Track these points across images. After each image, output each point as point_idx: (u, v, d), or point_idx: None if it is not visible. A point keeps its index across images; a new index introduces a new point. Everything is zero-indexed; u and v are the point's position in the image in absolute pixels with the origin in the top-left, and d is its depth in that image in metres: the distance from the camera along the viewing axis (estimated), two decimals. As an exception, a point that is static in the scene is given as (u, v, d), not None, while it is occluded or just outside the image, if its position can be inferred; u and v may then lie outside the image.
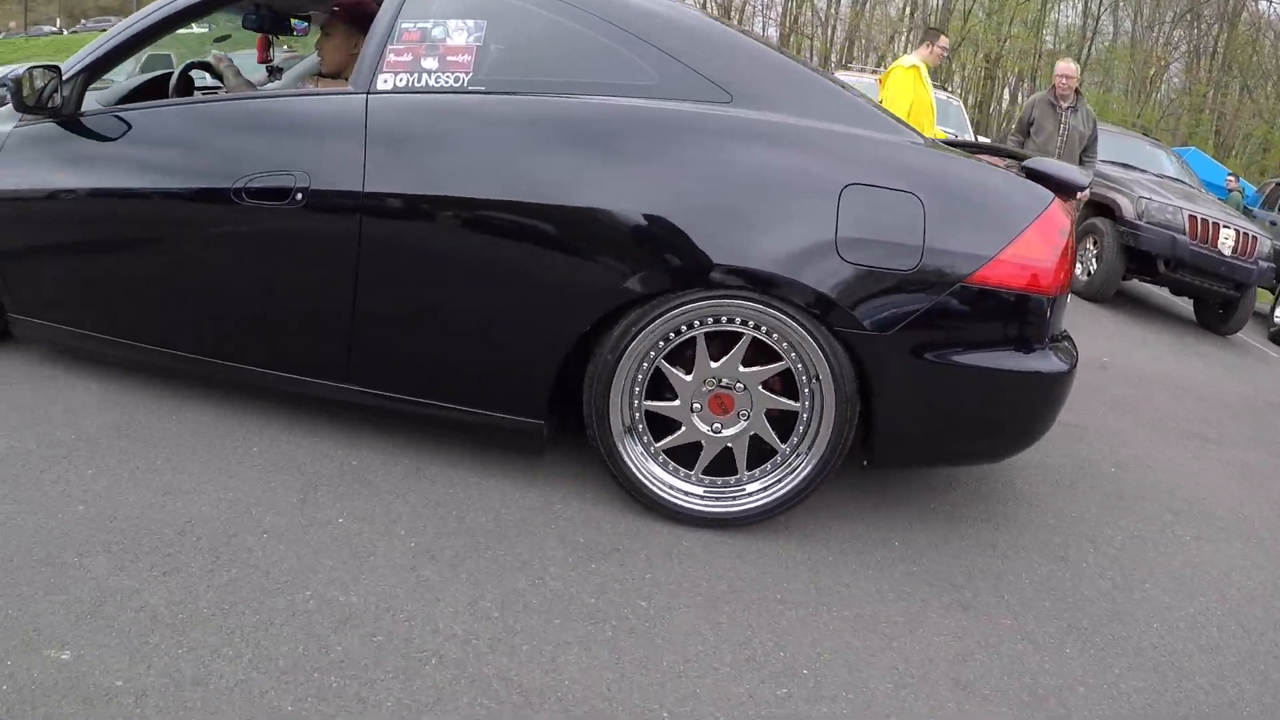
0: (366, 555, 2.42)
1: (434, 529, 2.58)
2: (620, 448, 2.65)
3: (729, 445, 2.65)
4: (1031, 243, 2.51)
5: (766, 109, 2.58)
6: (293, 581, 2.28)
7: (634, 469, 2.67)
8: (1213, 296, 8.70)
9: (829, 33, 47.78)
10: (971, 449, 2.94)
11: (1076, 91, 8.01)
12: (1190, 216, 8.21)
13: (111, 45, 3.08)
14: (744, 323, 2.51)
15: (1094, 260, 8.62)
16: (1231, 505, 3.82)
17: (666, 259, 2.48)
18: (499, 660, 2.06)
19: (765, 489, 2.67)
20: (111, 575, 2.20)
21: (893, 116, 2.98)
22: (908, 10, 48.05)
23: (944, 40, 7.75)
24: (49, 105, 2.93)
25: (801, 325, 2.44)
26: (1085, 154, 7.96)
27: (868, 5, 47.44)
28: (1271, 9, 42.53)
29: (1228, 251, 8.27)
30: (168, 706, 1.80)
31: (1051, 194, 2.60)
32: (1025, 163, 2.77)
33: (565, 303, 2.54)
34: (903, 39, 45.79)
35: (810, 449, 2.62)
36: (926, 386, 2.58)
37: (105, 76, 3.40)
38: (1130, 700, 2.28)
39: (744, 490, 2.68)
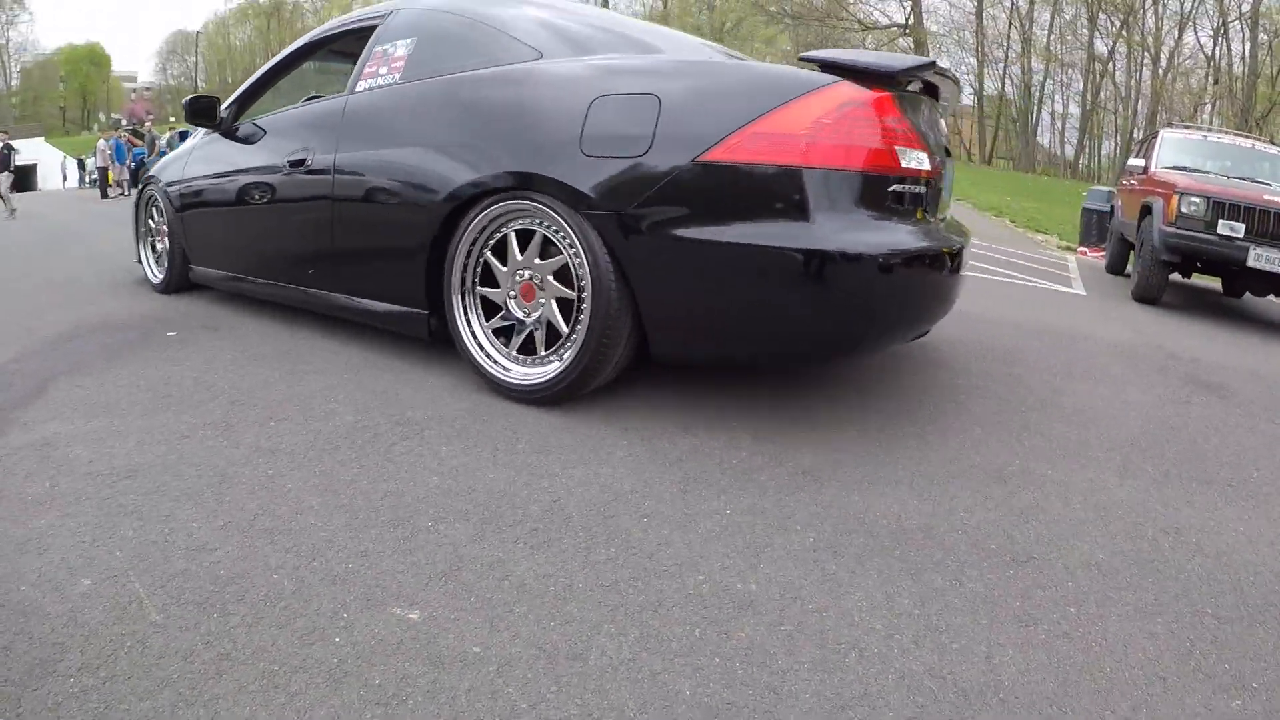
0: (763, 546, 2.16)
1: (832, 527, 2.31)
2: (461, 326, 3.20)
3: (534, 329, 3.03)
4: (782, 120, 2.60)
5: (563, 58, 3.15)
6: (682, 565, 2.01)
7: (469, 343, 3.18)
8: None
9: (1131, 108, 45.83)
10: (762, 340, 2.87)
11: None
12: None
13: (251, 84, 4.60)
14: (538, 223, 2.95)
15: None
16: None
17: (472, 175, 3.04)
18: (927, 657, 1.79)
19: (559, 367, 2.94)
20: (470, 543, 2.02)
21: (679, 43, 3.58)
22: (1210, 79, 45.35)
23: None
24: (209, 121, 4.51)
25: (558, 214, 2.83)
26: None
27: (1169, 77, 45.18)
28: None
29: None
30: (536, 679, 1.58)
31: (835, 79, 2.70)
32: (815, 55, 2.88)
33: (423, 213, 3.19)
34: (1208, 108, 43.18)
35: (589, 331, 2.82)
36: (680, 266, 2.71)
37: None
38: None
39: (544, 368, 3.00)
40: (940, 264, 2.94)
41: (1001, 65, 51.24)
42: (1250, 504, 2.99)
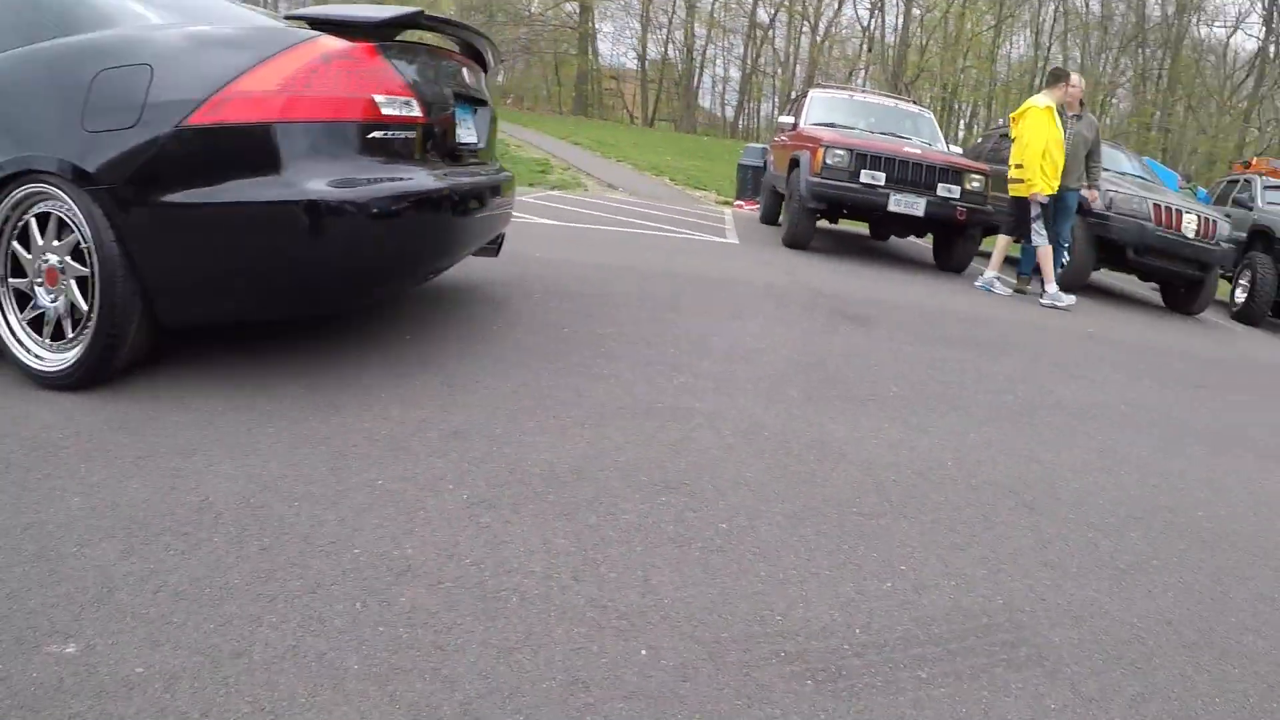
0: (415, 510, 2.19)
1: (485, 481, 2.38)
2: None
3: (61, 314, 2.86)
4: (259, 78, 2.69)
5: (79, 35, 2.93)
6: (337, 543, 2.00)
7: (7, 339, 2.92)
8: (1180, 279, 9.16)
9: (789, 72, 49.07)
10: (266, 295, 2.96)
11: (1081, 103, 8.36)
12: (1155, 205, 8.67)
13: None
14: (54, 205, 2.79)
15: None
16: None
17: None
18: (587, 589, 1.92)
19: (80, 349, 2.80)
20: (120, 561, 1.91)
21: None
22: (864, 48, 49.48)
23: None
24: None
25: (67, 194, 2.71)
26: (1090, 158, 8.28)
27: (826, 44, 48.80)
28: (1211, 33, 44.18)
29: (1191, 235, 8.70)
30: (204, 686, 1.53)
31: (314, 34, 2.82)
32: (303, 11, 3.04)
33: None
34: (862, 75, 46.97)
35: (101, 309, 2.75)
36: (173, 231, 2.74)
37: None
38: None
39: (67, 353, 2.84)
40: (437, 204, 3.09)
41: (665, 30, 53.03)
42: (888, 415, 3.38)
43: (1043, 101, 7.83)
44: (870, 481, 2.69)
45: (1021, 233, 8.09)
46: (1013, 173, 7.81)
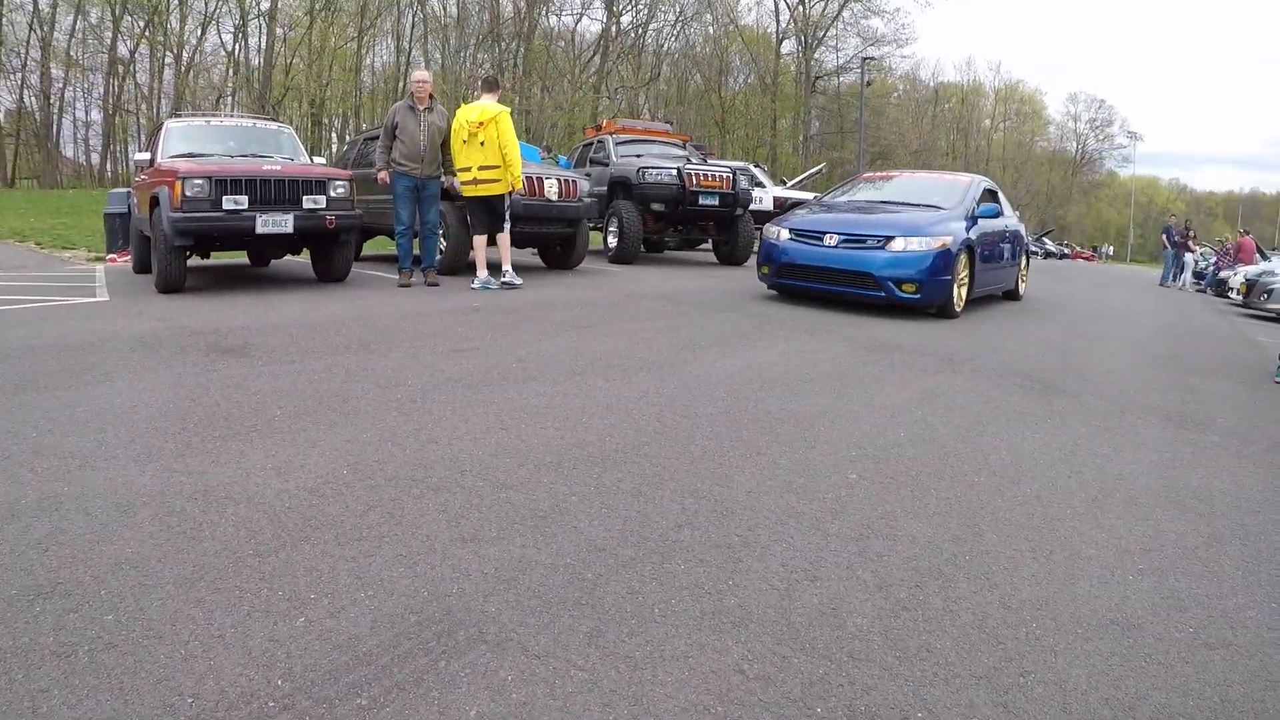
0: None
1: None
2: None
3: None
4: None
5: None
6: None
7: None
8: (555, 238, 10.64)
9: (155, 107, 45.91)
10: None
11: (431, 95, 9.01)
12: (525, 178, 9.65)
13: None
14: None
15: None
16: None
17: None
18: None
19: None
20: None
21: None
22: (230, 71, 47.88)
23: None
24: None
25: None
26: (444, 146, 8.99)
27: (191, 74, 46.41)
28: (560, 22, 49.69)
29: (555, 197, 10.09)
30: None
31: None
32: None
33: None
34: (229, 100, 45.44)
35: None
36: None
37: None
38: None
39: None
40: None
41: (20, 75, 46.96)
42: (275, 441, 3.35)
43: (500, 106, 8.76)
44: (262, 516, 2.62)
45: (497, 229, 8.83)
46: (487, 174, 8.61)
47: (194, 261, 8.49)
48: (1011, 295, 11.56)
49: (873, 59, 49.27)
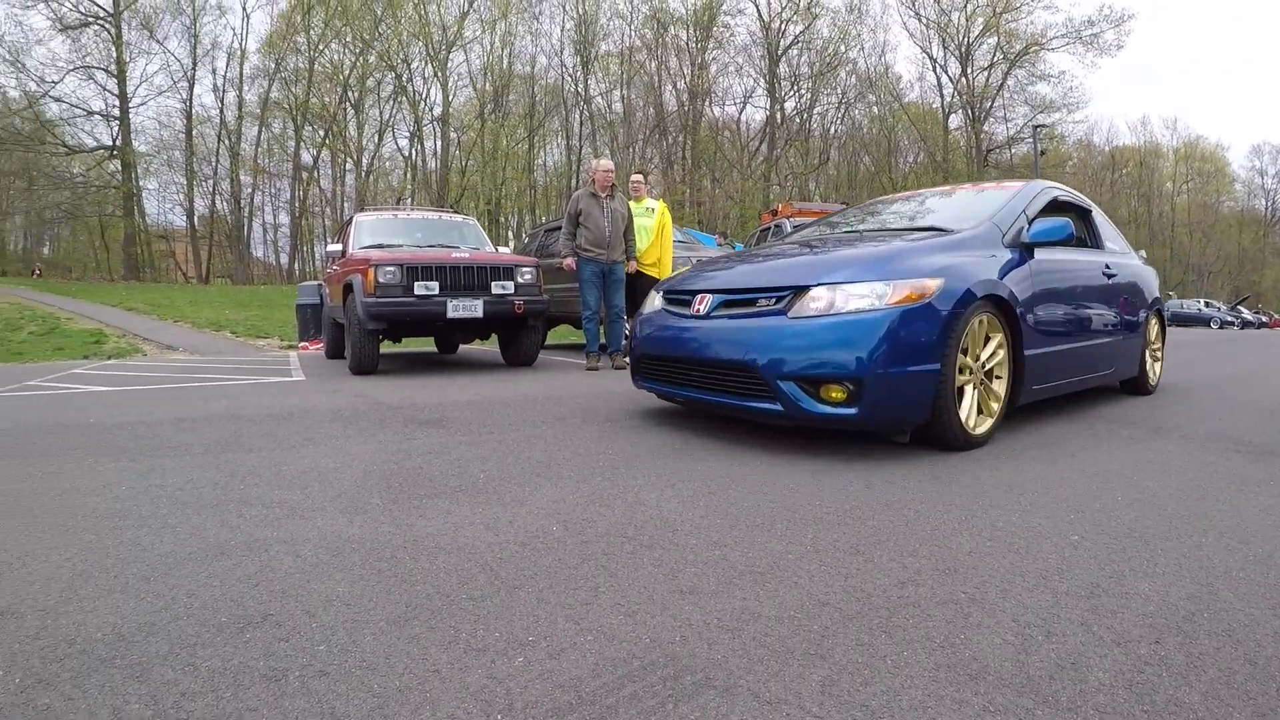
0: None
1: (40, 658, 2.02)
2: None
3: None
4: None
5: None
6: None
7: None
8: None
9: (338, 209, 49.12)
10: None
11: (613, 185, 9.22)
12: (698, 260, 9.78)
13: None
14: None
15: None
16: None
17: None
18: None
19: None
20: None
21: None
22: (408, 174, 50.79)
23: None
24: None
25: None
26: (626, 232, 9.23)
27: (371, 177, 49.54)
28: (724, 112, 50.97)
29: None
30: None
31: None
32: None
33: None
34: (409, 201, 48.09)
35: None
36: None
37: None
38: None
39: None
40: None
41: (211, 182, 51.43)
42: (481, 500, 3.36)
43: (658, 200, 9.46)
44: (474, 565, 2.62)
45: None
46: (651, 263, 9.43)
47: (385, 347, 8.88)
48: (1133, 385, 7.03)
49: (1044, 126, 48.07)
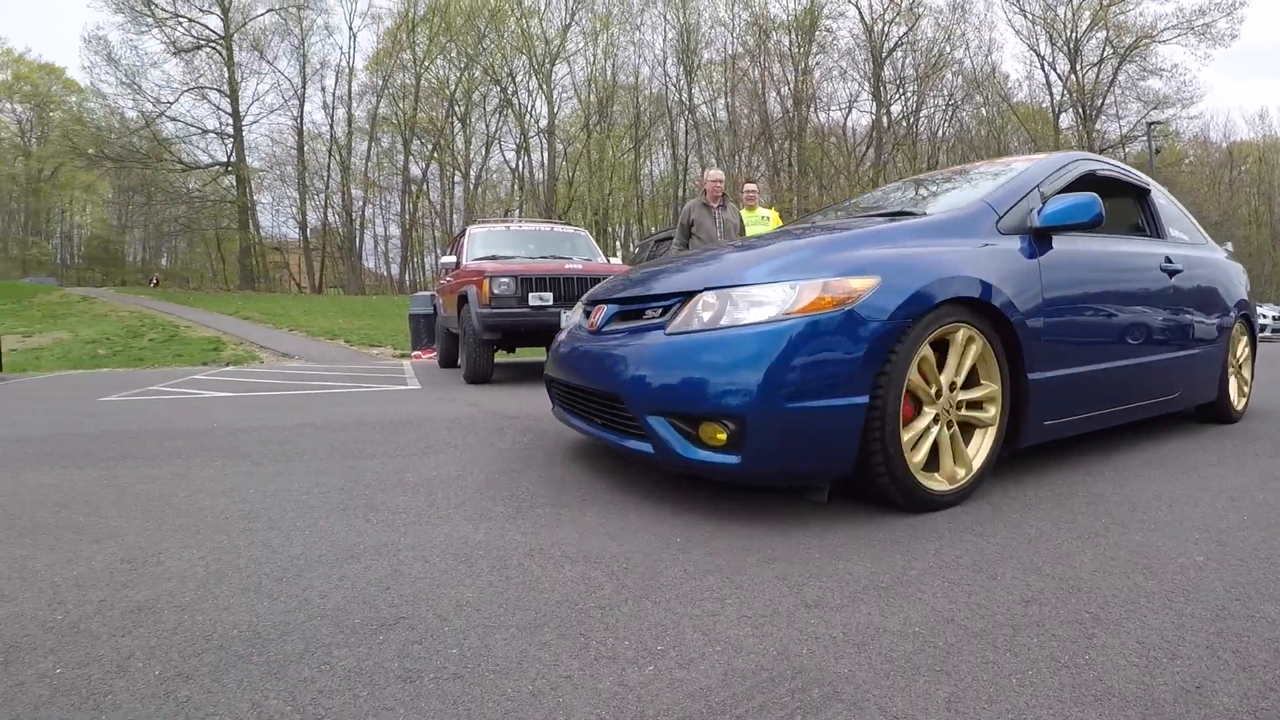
0: (103, 696, 1.89)
1: (179, 652, 2.10)
2: None
3: None
4: None
5: None
6: None
7: None
8: None
9: (448, 221, 50.25)
10: None
11: (724, 195, 9.22)
12: None
13: None
14: None
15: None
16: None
17: None
18: None
19: None
20: None
21: None
22: (516, 186, 51.66)
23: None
24: None
25: None
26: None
27: (480, 189, 50.54)
28: (829, 118, 50.60)
29: None
30: None
31: None
32: None
33: None
34: (517, 213, 48.90)
35: None
36: None
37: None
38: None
39: None
40: None
41: (323, 195, 53.19)
42: (605, 509, 3.41)
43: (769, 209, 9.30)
44: (601, 574, 2.65)
45: None
46: None
47: (499, 357, 9.02)
48: (1210, 411, 5.59)
49: (1158, 123, 46.28)
